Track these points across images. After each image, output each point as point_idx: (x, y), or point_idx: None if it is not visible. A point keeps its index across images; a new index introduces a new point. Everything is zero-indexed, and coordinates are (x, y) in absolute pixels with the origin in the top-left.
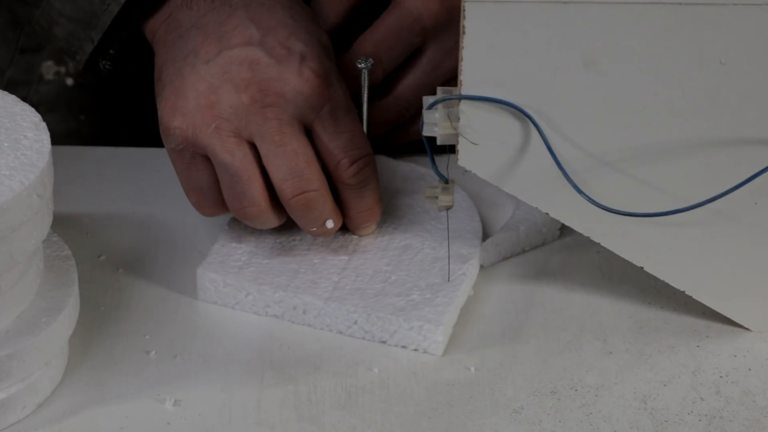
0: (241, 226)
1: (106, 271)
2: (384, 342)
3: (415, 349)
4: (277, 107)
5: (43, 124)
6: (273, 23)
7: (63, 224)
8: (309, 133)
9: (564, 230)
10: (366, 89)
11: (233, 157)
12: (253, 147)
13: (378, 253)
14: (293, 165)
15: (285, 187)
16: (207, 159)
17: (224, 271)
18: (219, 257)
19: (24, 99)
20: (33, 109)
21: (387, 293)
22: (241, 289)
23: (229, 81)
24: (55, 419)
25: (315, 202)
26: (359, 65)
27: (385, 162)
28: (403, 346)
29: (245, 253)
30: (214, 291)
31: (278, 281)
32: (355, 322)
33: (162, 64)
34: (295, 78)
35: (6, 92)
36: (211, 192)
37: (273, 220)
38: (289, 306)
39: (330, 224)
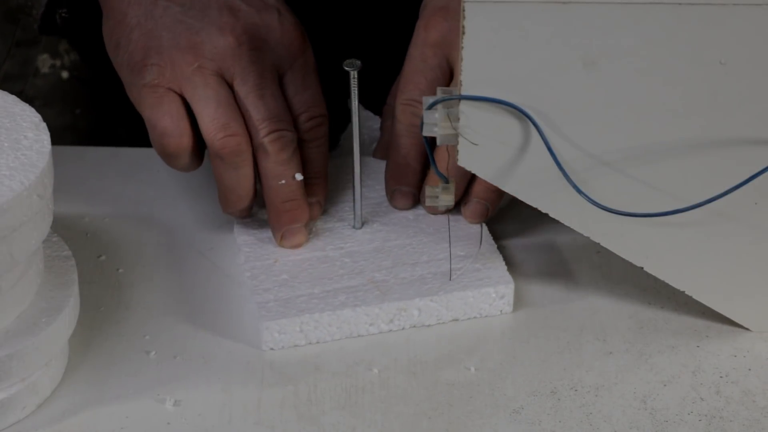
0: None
1: (106, 271)
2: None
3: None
4: (261, 51)
5: (44, 125)
6: None
7: (63, 224)
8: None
9: (564, 230)
10: (356, 92)
11: (217, 92)
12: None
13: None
14: (272, 106)
15: (264, 125)
16: (179, 95)
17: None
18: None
19: (20, 93)
20: (33, 110)
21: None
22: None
23: (211, 24)
24: (55, 419)
25: (290, 143)
26: (347, 68)
27: (377, 164)
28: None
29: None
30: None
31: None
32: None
33: (126, 7)
34: (277, 28)
35: (6, 92)
36: (180, 121)
37: (247, 161)
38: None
39: (299, 177)
